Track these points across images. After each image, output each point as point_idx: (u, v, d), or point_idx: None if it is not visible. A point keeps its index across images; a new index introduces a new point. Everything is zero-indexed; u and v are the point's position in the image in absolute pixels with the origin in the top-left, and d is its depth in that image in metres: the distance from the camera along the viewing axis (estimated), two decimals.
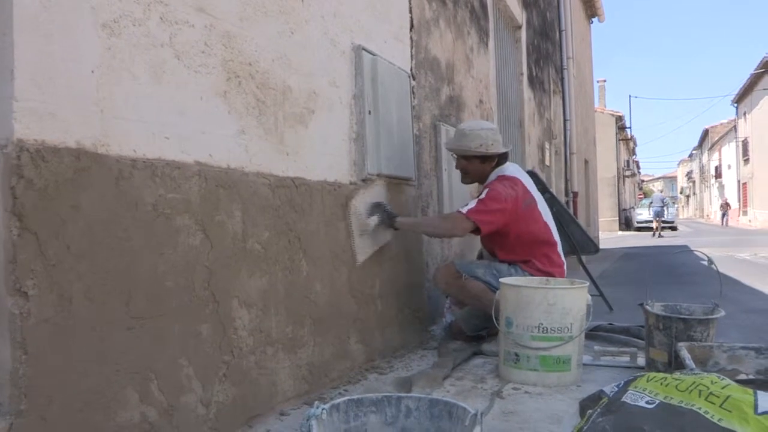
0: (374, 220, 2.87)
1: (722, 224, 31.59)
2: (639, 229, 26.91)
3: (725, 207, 33.10)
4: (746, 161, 31.10)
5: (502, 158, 3.31)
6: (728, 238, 17.45)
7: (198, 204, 1.86)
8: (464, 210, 3.04)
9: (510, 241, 3.17)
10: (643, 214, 27.98)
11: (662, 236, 20.52)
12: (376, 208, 2.90)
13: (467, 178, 3.38)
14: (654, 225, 21.78)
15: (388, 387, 2.45)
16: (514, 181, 3.18)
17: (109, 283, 1.56)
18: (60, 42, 1.46)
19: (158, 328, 1.71)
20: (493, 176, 3.25)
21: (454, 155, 3.42)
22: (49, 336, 1.41)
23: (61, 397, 1.43)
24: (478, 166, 3.28)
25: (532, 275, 3.12)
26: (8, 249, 1.35)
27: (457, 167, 3.41)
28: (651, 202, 23.69)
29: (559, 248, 3.30)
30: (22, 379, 1.35)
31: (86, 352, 1.50)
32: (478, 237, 3.38)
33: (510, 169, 3.30)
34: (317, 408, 1.49)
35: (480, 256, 3.66)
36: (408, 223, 3.10)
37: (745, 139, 31.04)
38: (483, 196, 3.09)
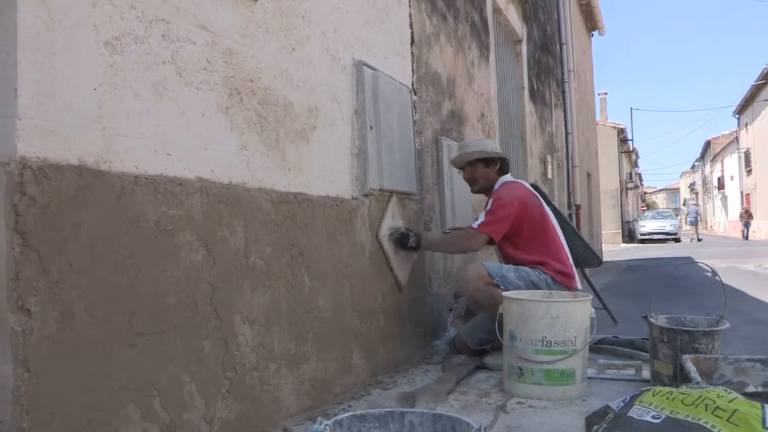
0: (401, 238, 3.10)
1: (743, 237, 26.72)
2: (642, 241, 26.82)
3: (746, 216, 27.65)
4: (749, 172, 31.03)
5: (505, 165, 3.47)
6: (732, 249, 17.40)
7: (200, 220, 1.87)
8: (476, 225, 3.21)
9: (524, 241, 3.27)
10: (646, 226, 27.93)
11: (700, 239, 26.63)
12: (397, 232, 3.12)
13: (476, 185, 3.49)
14: (691, 232, 28.90)
15: (391, 402, 2.43)
16: (516, 185, 3.40)
17: (111, 299, 1.56)
18: (62, 60, 1.47)
19: (160, 344, 1.71)
20: (497, 185, 3.39)
21: (460, 170, 3.55)
22: (51, 353, 1.41)
23: (64, 415, 1.43)
24: (483, 170, 3.42)
25: (553, 278, 3.19)
26: (10, 266, 1.35)
27: (464, 178, 3.54)
28: (687, 214, 31.43)
29: (567, 249, 3.37)
30: (24, 397, 1.35)
31: (89, 369, 1.49)
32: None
33: (512, 177, 3.49)
34: (320, 424, 1.48)
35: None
36: (429, 242, 3.30)
37: (747, 150, 31.00)
38: (489, 206, 3.25)
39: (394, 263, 3.08)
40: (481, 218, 3.21)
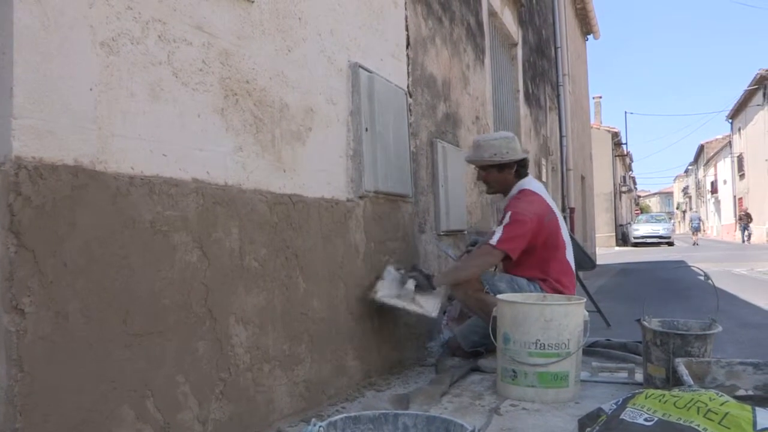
0: (412, 284, 2.96)
1: (743, 240, 25.95)
2: (636, 244, 26.90)
3: (745, 219, 26.42)
4: (741, 176, 31.19)
5: (522, 167, 3.33)
6: (725, 253, 17.47)
7: (195, 221, 1.86)
8: (493, 242, 3.06)
9: (530, 258, 3.14)
10: (640, 229, 28.02)
11: (698, 244, 26.27)
12: (410, 273, 3.04)
13: (490, 188, 3.44)
14: (693, 236, 29.00)
15: (385, 404, 2.43)
16: (535, 198, 3.22)
17: (106, 300, 1.56)
18: (59, 60, 1.47)
19: (155, 345, 1.70)
20: (515, 190, 3.28)
21: (475, 168, 3.52)
22: (45, 353, 1.41)
23: (57, 415, 1.42)
24: (496, 175, 3.32)
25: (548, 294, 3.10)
26: (5, 266, 1.35)
27: (478, 179, 3.52)
28: (690, 220, 31.77)
29: (573, 266, 3.30)
30: (18, 397, 1.35)
31: (83, 369, 1.49)
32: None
33: (532, 184, 3.33)
34: (314, 425, 1.48)
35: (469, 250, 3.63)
36: (445, 276, 3.20)
37: (740, 154, 31.18)
38: (507, 220, 3.09)
39: (412, 307, 2.92)
40: (499, 234, 3.06)
